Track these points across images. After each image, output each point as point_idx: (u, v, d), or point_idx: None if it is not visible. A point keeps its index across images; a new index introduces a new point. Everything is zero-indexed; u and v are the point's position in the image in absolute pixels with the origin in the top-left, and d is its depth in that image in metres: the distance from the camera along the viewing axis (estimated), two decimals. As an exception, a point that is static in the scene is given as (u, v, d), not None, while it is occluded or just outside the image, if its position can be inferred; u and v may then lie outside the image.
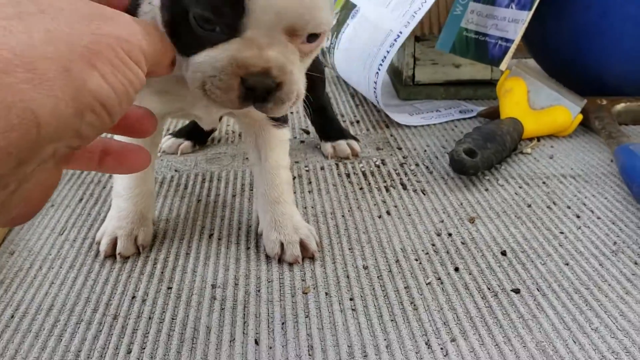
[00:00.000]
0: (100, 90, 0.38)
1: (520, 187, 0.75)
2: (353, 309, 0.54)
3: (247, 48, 0.44)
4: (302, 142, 0.93)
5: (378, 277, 0.59)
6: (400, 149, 0.89)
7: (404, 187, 0.77)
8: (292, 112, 0.72)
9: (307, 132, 0.96)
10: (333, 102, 1.07)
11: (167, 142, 0.91)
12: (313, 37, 0.46)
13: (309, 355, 0.49)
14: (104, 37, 0.39)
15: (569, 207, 0.70)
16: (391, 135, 0.94)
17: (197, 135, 0.92)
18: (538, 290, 0.56)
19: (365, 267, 0.60)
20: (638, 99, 0.95)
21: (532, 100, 0.90)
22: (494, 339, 0.50)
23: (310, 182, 0.80)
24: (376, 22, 0.98)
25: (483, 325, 0.51)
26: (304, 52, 0.47)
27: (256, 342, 0.50)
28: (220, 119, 0.78)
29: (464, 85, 1.07)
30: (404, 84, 1.08)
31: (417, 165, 0.83)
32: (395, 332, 0.51)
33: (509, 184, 0.77)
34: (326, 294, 0.56)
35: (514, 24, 0.91)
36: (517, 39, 0.88)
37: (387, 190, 0.76)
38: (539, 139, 0.89)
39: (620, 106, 0.93)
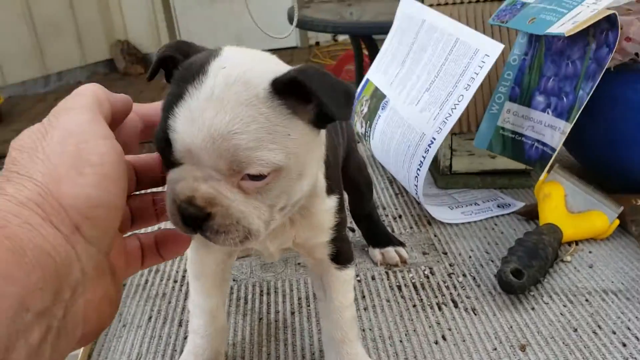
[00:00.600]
0: (73, 192, 0.41)
1: (564, 306, 0.80)
2: None
3: (183, 178, 0.49)
4: (349, 242, 0.98)
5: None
6: (445, 254, 0.93)
7: (455, 305, 0.81)
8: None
9: (353, 230, 1.01)
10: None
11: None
12: (256, 176, 0.47)
13: None
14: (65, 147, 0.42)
15: (614, 333, 0.75)
16: (435, 236, 0.99)
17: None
18: None
19: (431, 412, 0.65)
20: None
21: (570, 204, 0.95)
22: None
23: (364, 297, 0.84)
24: (408, 120, 1.02)
25: None
26: (248, 189, 0.49)
27: None
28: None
29: (500, 174, 1.12)
30: (441, 173, 1.13)
31: (464, 275, 0.88)
32: None
33: (554, 301, 0.81)
34: None
35: (550, 130, 0.96)
36: (557, 148, 0.92)
37: (440, 308, 0.81)
38: (577, 242, 0.93)
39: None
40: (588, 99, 0.88)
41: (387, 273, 0.90)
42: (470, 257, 0.92)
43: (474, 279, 0.87)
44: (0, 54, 4.81)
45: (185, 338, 0.75)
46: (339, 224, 0.64)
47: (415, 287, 0.86)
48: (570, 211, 0.95)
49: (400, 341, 0.76)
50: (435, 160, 1.18)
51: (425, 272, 0.89)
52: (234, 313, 0.83)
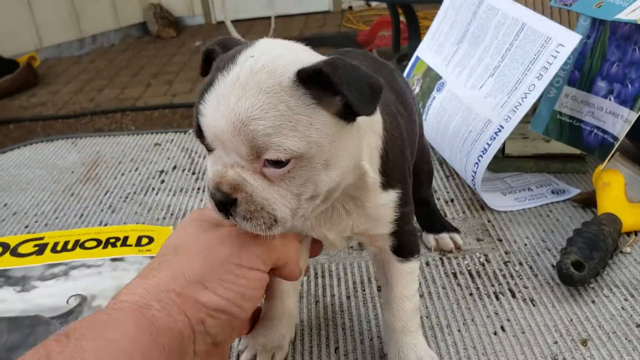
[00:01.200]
0: (212, 303, 0.52)
1: (625, 300, 0.79)
2: None
3: (215, 164, 0.52)
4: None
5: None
6: (500, 240, 0.93)
7: (513, 295, 0.81)
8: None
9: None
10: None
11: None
12: (277, 163, 0.49)
13: None
14: (215, 259, 0.53)
15: (677, 329, 0.74)
16: (489, 221, 0.98)
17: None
18: None
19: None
20: None
21: (629, 194, 0.93)
22: None
23: (419, 283, 0.85)
24: (469, 104, 1.00)
25: None
26: (271, 176, 0.50)
27: None
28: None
29: (554, 159, 1.10)
30: (494, 155, 1.11)
31: (520, 264, 0.87)
32: None
33: (614, 294, 0.80)
34: None
35: (612, 117, 0.93)
36: (621, 137, 0.90)
37: (497, 298, 0.81)
38: (636, 233, 0.92)
39: None
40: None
41: (441, 259, 0.90)
42: (525, 244, 0.92)
43: (531, 268, 0.86)
44: (37, 17, 4.83)
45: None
46: (401, 217, 0.63)
47: (471, 274, 0.86)
48: (630, 200, 0.93)
49: (459, 330, 0.76)
50: (487, 143, 1.16)
51: (481, 260, 0.89)
52: (290, 296, 0.84)
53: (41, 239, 0.96)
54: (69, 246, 0.94)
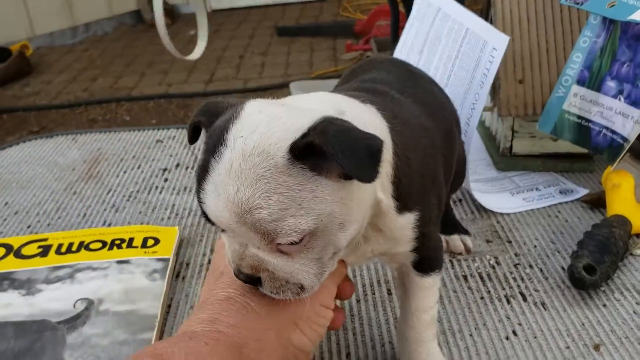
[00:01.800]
0: (300, 342, 0.53)
1: (637, 303, 0.79)
2: None
3: (231, 244, 0.51)
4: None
5: None
6: (510, 242, 0.92)
7: (524, 299, 0.81)
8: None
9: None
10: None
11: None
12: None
13: None
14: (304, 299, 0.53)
15: (690, 334, 0.74)
16: (497, 222, 0.97)
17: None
18: None
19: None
20: None
21: (639, 195, 0.92)
22: None
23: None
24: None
25: None
26: (286, 251, 0.50)
27: None
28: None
29: (561, 158, 1.09)
30: (501, 154, 1.11)
31: (530, 267, 0.87)
32: None
33: (625, 298, 0.80)
34: None
35: (622, 117, 0.93)
36: (632, 139, 0.89)
37: (508, 301, 0.80)
38: (645, 234, 0.91)
39: None
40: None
41: (451, 262, 0.89)
42: (535, 246, 0.91)
43: (541, 270, 0.86)
44: (29, 5, 4.77)
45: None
46: (422, 236, 0.60)
47: (481, 277, 0.85)
48: (640, 202, 0.92)
49: (470, 335, 0.75)
50: (494, 142, 1.15)
51: (491, 262, 0.88)
52: (300, 299, 0.83)
53: (45, 240, 0.95)
54: (74, 248, 0.93)
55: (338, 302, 0.68)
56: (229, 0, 5.53)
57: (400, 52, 1.15)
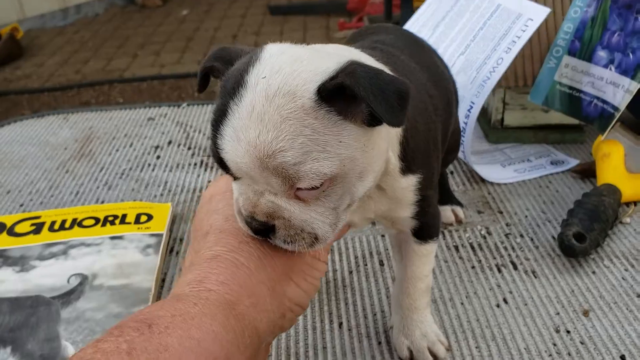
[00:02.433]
0: (295, 295, 0.53)
1: (626, 270, 0.80)
2: None
3: (244, 192, 0.49)
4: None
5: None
6: (501, 212, 0.93)
7: (515, 267, 0.81)
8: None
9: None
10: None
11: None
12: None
13: None
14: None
15: (677, 299, 0.75)
16: (489, 193, 0.98)
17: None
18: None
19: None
20: None
21: (629, 164, 0.93)
22: None
23: (423, 257, 0.85)
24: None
25: None
26: (304, 197, 0.48)
27: None
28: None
29: (553, 129, 1.10)
30: (492, 127, 1.11)
31: (521, 236, 0.88)
32: None
33: (614, 265, 0.81)
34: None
35: (612, 87, 0.93)
36: (622, 107, 0.89)
37: (499, 270, 0.81)
38: (635, 203, 0.92)
39: None
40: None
41: (442, 232, 0.90)
42: (526, 216, 0.92)
43: (532, 240, 0.87)
44: (18, -14, 4.72)
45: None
46: (422, 200, 0.61)
47: (472, 247, 0.86)
48: (630, 171, 0.93)
49: (462, 303, 0.76)
50: (486, 114, 1.15)
51: (482, 232, 0.89)
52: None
53: (38, 217, 0.95)
54: (67, 225, 0.93)
55: None
56: (221, -21, 5.47)
57: (412, 28, 1.14)
